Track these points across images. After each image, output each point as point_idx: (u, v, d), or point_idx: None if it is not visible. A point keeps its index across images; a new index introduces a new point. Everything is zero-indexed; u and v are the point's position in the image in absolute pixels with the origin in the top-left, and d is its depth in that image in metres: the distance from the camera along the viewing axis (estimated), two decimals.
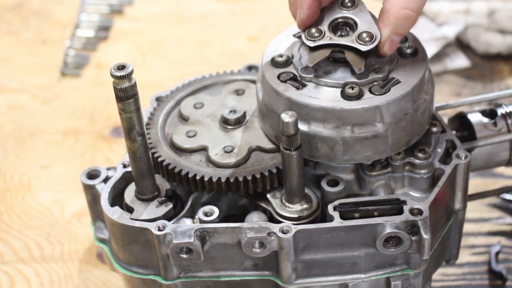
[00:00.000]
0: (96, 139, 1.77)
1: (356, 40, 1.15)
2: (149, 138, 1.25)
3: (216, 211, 1.17)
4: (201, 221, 1.16)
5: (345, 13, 1.18)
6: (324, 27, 1.18)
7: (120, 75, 1.08)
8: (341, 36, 1.17)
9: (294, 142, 1.10)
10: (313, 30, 1.17)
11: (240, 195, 1.21)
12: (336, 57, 1.17)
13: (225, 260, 1.18)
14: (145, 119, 1.24)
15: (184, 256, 1.15)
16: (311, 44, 1.17)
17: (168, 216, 1.19)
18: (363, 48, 1.15)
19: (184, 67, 1.97)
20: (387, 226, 1.12)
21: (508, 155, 1.31)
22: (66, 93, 1.92)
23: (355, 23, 1.17)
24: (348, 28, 1.18)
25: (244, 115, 1.27)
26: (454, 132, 1.27)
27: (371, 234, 1.14)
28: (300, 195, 1.16)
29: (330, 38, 1.17)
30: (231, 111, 1.27)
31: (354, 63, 1.15)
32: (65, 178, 1.68)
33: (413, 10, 1.11)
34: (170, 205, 1.20)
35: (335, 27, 1.18)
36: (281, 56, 1.22)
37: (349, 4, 1.18)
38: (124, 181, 1.24)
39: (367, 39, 1.15)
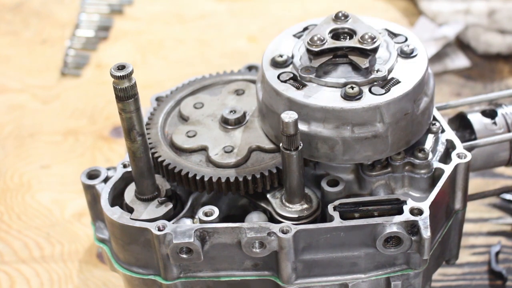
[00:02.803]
0: (96, 139, 1.77)
1: (359, 42, 1.17)
2: (149, 138, 1.25)
3: (216, 211, 1.17)
4: (201, 221, 1.16)
5: (342, 25, 1.20)
6: (325, 36, 1.19)
7: (120, 75, 1.08)
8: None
9: (294, 142, 1.10)
10: (315, 38, 1.18)
11: (240, 195, 1.21)
12: (340, 62, 1.18)
13: (225, 260, 1.18)
14: (145, 119, 1.24)
15: (184, 256, 1.15)
16: (315, 49, 1.17)
17: (168, 216, 1.19)
18: (367, 47, 1.16)
19: (184, 67, 1.97)
20: (387, 226, 1.12)
21: (508, 155, 1.31)
22: (66, 93, 1.92)
23: (354, 31, 1.19)
24: (347, 36, 1.20)
25: (244, 115, 1.27)
26: (454, 132, 1.27)
27: (371, 234, 1.14)
28: (300, 195, 1.16)
29: (333, 43, 1.18)
30: (231, 111, 1.27)
31: (358, 61, 1.16)
32: (65, 178, 1.68)
33: None
34: (170, 205, 1.20)
35: (335, 36, 1.20)
36: (281, 56, 1.22)
37: (342, 18, 1.21)
38: (124, 181, 1.24)
39: (369, 40, 1.16)
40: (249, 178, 1.18)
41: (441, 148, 1.24)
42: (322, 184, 1.20)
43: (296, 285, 1.18)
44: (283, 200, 1.18)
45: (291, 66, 1.21)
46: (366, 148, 1.16)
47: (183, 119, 1.30)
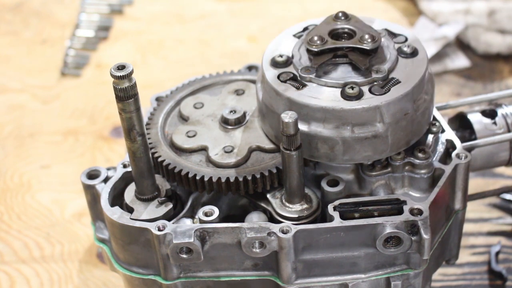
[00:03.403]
0: (96, 139, 1.77)
1: (359, 42, 1.17)
2: (149, 138, 1.25)
3: (216, 211, 1.17)
4: (201, 221, 1.16)
5: (342, 25, 1.20)
6: (325, 36, 1.19)
7: (120, 75, 1.08)
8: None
9: (294, 142, 1.10)
10: (315, 38, 1.18)
11: (240, 195, 1.21)
12: (340, 62, 1.18)
13: (225, 260, 1.18)
14: (145, 119, 1.24)
15: (184, 256, 1.15)
16: (315, 49, 1.17)
17: (168, 216, 1.19)
18: (367, 47, 1.16)
19: (184, 67, 1.97)
20: (387, 226, 1.12)
21: (508, 155, 1.31)
22: (66, 93, 1.92)
23: (354, 31, 1.19)
24: (347, 36, 1.20)
25: (244, 115, 1.27)
26: (454, 132, 1.27)
27: (371, 234, 1.14)
28: (300, 195, 1.16)
29: (333, 43, 1.18)
30: (231, 111, 1.27)
31: (358, 61, 1.16)
32: (65, 178, 1.68)
33: None
34: (170, 205, 1.20)
35: (335, 36, 1.20)
36: (281, 56, 1.22)
37: (342, 18, 1.21)
38: (124, 181, 1.24)
39: (369, 40, 1.16)
40: (249, 178, 1.18)
41: (441, 148, 1.24)
42: (322, 184, 1.19)
43: (296, 285, 1.18)
44: (283, 200, 1.18)
45: (291, 66, 1.21)
46: (366, 148, 1.16)
47: (183, 119, 1.30)
